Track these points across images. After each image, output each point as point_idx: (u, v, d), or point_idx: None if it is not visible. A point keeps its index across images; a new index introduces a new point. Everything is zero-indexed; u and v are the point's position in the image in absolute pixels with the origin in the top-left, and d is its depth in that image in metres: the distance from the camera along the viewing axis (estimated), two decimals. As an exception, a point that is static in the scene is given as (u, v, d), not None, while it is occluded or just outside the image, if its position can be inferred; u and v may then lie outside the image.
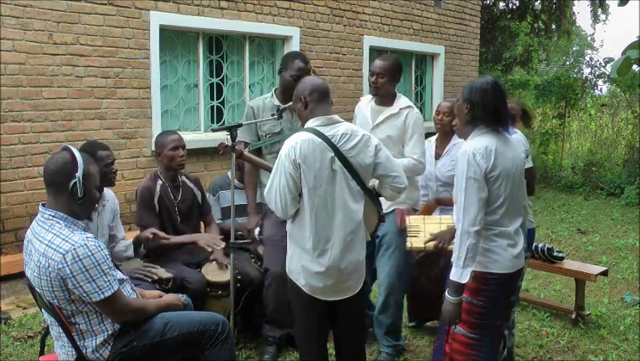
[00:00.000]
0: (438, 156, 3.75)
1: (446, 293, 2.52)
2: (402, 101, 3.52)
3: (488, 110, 2.53)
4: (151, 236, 3.32)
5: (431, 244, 3.09)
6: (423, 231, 3.24)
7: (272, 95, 3.65)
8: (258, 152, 3.62)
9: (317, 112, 2.73)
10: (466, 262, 2.43)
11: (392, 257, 3.48)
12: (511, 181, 2.52)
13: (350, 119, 3.33)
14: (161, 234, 3.35)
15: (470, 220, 2.44)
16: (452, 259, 2.53)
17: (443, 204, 3.59)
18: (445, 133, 3.72)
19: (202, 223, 3.92)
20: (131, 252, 3.37)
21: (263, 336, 3.66)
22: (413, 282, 3.82)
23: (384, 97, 3.52)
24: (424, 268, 3.73)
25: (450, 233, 3.05)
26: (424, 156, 3.47)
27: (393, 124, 3.45)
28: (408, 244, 3.18)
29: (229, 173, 4.20)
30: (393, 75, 3.48)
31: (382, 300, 3.54)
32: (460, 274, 2.44)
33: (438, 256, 3.49)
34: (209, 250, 3.44)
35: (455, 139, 3.65)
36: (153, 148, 4.44)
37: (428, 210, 3.58)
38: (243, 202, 3.87)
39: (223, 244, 3.46)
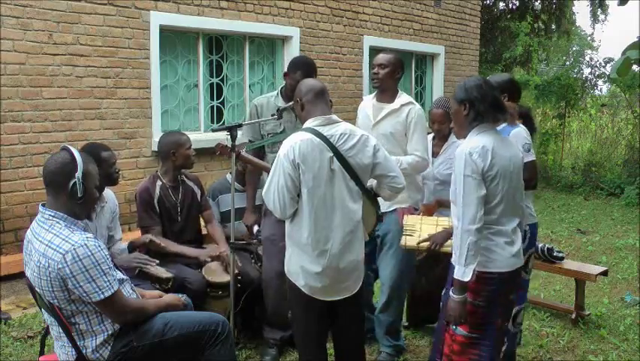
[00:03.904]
0: (435, 155, 3.75)
1: (450, 292, 2.51)
2: (403, 97, 3.50)
3: (489, 101, 2.54)
4: (147, 241, 3.38)
5: (425, 244, 3.09)
6: (419, 231, 3.25)
7: (277, 94, 3.62)
8: (261, 150, 3.59)
9: (314, 112, 2.73)
10: (467, 260, 2.41)
11: (394, 257, 3.47)
12: (508, 180, 2.51)
13: (350, 120, 3.32)
14: (157, 240, 3.39)
15: (470, 218, 2.43)
16: (452, 260, 2.53)
17: (443, 206, 3.58)
18: (443, 136, 3.72)
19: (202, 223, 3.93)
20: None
21: (264, 338, 3.65)
22: (413, 284, 3.81)
23: (385, 92, 3.50)
24: (424, 269, 3.73)
25: (444, 235, 3.05)
26: (427, 152, 3.47)
27: (395, 121, 3.44)
28: (402, 242, 3.21)
29: (228, 176, 4.19)
30: (395, 68, 3.47)
31: (385, 299, 3.54)
32: (462, 272, 2.42)
33: (438, 258, 3.48)
34: (215, 254, 3.62)
35: (453, 137, 3.66)
36: (154, 148, 4.45)
37: (428, 211, 3.58)
38: (244, 205, 3.85)
39: (223, 248, 3.61)
